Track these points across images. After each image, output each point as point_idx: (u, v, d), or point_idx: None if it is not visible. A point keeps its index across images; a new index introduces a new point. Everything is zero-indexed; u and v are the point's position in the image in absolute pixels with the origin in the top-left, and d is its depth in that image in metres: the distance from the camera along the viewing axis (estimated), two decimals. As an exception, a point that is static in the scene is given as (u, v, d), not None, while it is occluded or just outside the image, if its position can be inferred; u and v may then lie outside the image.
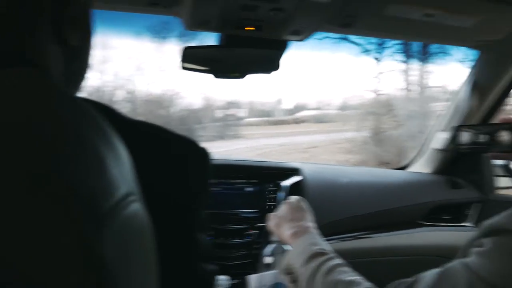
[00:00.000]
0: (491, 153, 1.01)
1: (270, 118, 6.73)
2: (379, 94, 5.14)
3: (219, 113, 5.93)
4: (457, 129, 1.06)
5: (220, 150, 5.11)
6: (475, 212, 1.64)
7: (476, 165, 1.67)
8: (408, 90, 4.96)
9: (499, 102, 1.52)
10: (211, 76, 1.00)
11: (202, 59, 0.98)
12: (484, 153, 1.03)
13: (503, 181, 1.68)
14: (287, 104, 6.80)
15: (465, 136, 1.05)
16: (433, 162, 1.74)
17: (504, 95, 1.50)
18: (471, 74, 1.54)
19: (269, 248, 1.10)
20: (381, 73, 4.99)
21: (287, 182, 1.42)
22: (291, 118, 6.67)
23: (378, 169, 2.29)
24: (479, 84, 1.51)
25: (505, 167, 1.58)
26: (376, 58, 4.74)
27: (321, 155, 5.87)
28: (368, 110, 5.29)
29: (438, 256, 1.44)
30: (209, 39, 0.97)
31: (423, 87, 4.87)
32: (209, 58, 0.97)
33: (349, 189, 1.55)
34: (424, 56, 4.53)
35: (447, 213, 1.66)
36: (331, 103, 6.40)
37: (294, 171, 1.47)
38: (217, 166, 1.37)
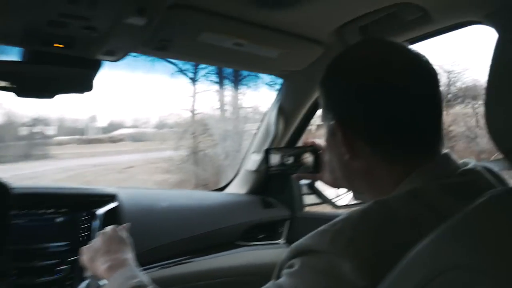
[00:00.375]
0: (297, 174, 1.20)
1: (83, 136, 6.37)
2: (195, 113, 5.38)
3: (23, 131, 5.34)
4: (267, 152, 1.21)
5: (25, 172, 4.61)
6: (286, 229, 1.86)
7: (285, 185, 1.88)
8: (223, 110, 5.33)
9: (303, 126, 1.76)
10: (12, 94, 0.94)
11: (1, 75, 0.91)
12: (291, 174, 1.21)
13: (309, 199, 1.97)
14: (102, 122, 6.54)
15: (274, 158, 1.20)
16: (248, 183, 1.91)
17: (307, 119, 1.74)
18: (276, 99, 1.75)
19: (83, 285, 1.08)
20: (197, 93, 5.25)
21: (102, 210, 1.39)
22: (106, 137, 6.43)
23: (197, 192, 2.39)
24: (284, 109, 1.72)
25: (311, 186, 1.86)
26: (192, 79, 4.99)
27: (138, 175, 5.79)
28: (185, 129, 5.49)
29: (256, 275, 1.56)
30: (13, 53, 0.92)
31: (237, 108, 5.29)
32: (11, 74, 0.92)
33: (169, 213, 1.58)
34: (237, 79, 4.98)
35: (262, 232, 1.83)
36: (148, 122, 6.41)
37: (110, 198, 1.44)
38: (19, 195, 1.26)
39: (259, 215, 1.83)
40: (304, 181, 1.85)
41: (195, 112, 5.42)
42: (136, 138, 6.14)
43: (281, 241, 1.85)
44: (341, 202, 1.69)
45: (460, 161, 0.74)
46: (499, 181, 0.71)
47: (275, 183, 1.92)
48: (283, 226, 1.88)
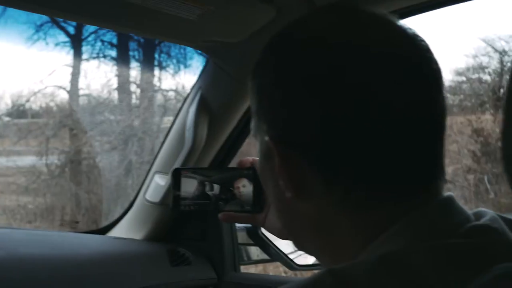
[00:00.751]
0: (225, 213, 1.18)
1: None
2: (78, 96, 5.32)
3: None
4: (175, 174, 1.18)
5: None
6: None
7: (210, 228, 1.89)
8: (124, 93, 5.29)
9: (240, 134, 1.77)
10: None
11: None
12: (215, 212, 1.20)
13: (250, 253, 1.97)
14: None
15: (188, 185, 1.19)
16: (147, 223, 1.90)
17: (247, 124, 1.74)
18: (196, 88, 1.76)
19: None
20: (82, 66, 5.21)
21: None
22: None
23: (61, 234, 2.35)
24: (209, 104, 1.73)
25: (253, 231, 1.86)
26: (74, 44, 4.97)
27: (-26, 195, 5.70)
28: (60, 120, 5.41)
29: None
30: None
31: (148, 92, 5.27)
32: None
33: (8, 268, 1.53)
34: (149, 53, 5.00)
35: (169, 307, 1.82)
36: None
37: None
38: None
39: (165, 277, 1.81)
40: (240, 225, 1.85)
41: (79, 93, 5.33)
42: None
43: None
44: (300, 260, 1.72)
45: (471, 211, 0.74)
46: None
47: (192, 224, 1.93)
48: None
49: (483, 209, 0.75)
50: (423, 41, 0.73)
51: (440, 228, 0.68)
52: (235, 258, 1.91)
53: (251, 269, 2.00)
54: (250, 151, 1.70)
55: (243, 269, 1.95)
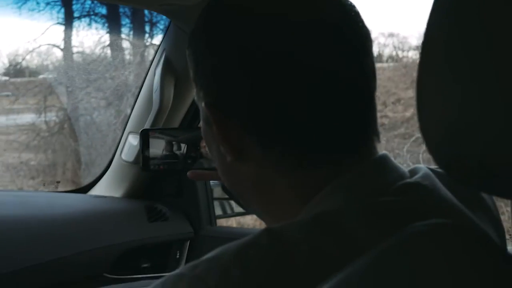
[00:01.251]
0: (193, 171, 1.21)
1: None
2: (72, 52, 5.27)
3: None
4: (143, 135, 1.21)
5: None
6: (186, 255, 1.91)
7: (185, 184, 1.92)
8: (117, 50, 5.25)
9: None
10: None
11: None
12: (182, 171, 1.22)
13: (225, 207, 2.01)
14: None
15: (156, 145, 1.22)
16: (125, 181, 1.94)
17: None
18: (161, 50, 1.77)
19: None
20: (73, 22, 5.16)
21: None
22: None
23: (42, 193, 2.38)
24: (174, 65, 1.74)
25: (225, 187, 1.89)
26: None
27: (-21, 154, 5.68)
28: (56, 77, 5.37)
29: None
30: None
31: (136, 49, 5.23)
32: None
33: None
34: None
35: (146, 259, 1.86)
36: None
37: None
38: None
39: (143, 233, 1.85)
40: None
41: (72, 51, 5.29)
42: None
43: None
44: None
45: (409, 168, 0.76)
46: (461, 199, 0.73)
47: (168, 181, 1.96)
48: (180, 250, 1.92)
49: (419, 165, 0.77)
50: (350, 5, 0.74)
51: (372, 187, 0.69)
52: (210, 212, 1.95)
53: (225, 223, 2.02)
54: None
55: (220, 223, 1.99)
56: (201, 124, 0.81)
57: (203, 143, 1.17)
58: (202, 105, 0.76)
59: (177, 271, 0.65)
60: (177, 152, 1.21)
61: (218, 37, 0.73)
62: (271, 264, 0.61)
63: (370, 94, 0.73)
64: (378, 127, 0.76)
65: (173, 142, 1.21)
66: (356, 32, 0.73)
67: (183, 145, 1.21)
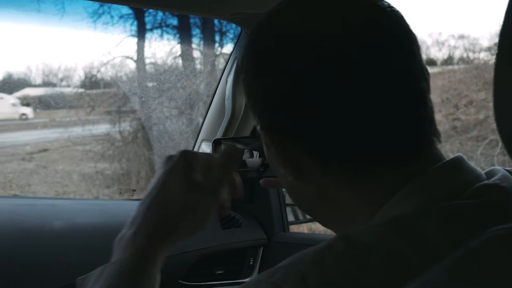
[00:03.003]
0: (265, 179, 1.20)
1: None
2: (145, 64, 5.37)
3: None
4: (215, 144, 1.21)
5: None
6: (260, 261, 1.90)
7: (258, 191, 1.92)
8: (189, 60, 5.32)
9: None
10: None
11: None
12: (255, 179, 1.21)
13: (297, 214, 1.99)
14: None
15: None
16: (199, 189, 1.93)
17: None
18: (232, 58, 1.76)
19: None
20: (145, 38, 5.25)
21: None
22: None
23: (119, 202, 2.41)
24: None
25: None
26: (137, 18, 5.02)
27: (54, 163, 5.81)
28: (130, 88, 5.47)
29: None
30: None
31: (207, 59, 5.28)
32: None
33: (66, 238, 1.61)
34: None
35: (220, 266, 1.85)
36: (69, 76, 6.38)
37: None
38: None
39: (216, 240, 1.85)
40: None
41: (145, 62, 5.39)
42: (50, 104, 6.09)
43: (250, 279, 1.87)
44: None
45: (486, 170, 0.75)
46: None
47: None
48: (254, 256, 1.92)
49: (496, 167, 0.75)
50: (397, 11, 0.73)
51: (447, 189, 0.69)
52: (283, 218, 1.93)
53: (298, 229, 2.01)
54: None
55: (292, 229, 1.97)
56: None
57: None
58: (258, 128, 0.76)
59: (254, 277, 0.66)
60: (249, 160, 1.21)
61: (267, 61, 0.73)
62: (347, 268, 0.61)
63: (422, 95, 0.72)
64: (437, 128, 0.75)
65: (245, 150, 1.20)
66: (407, 38, 0.72)
67: (255, 153, 1.20)
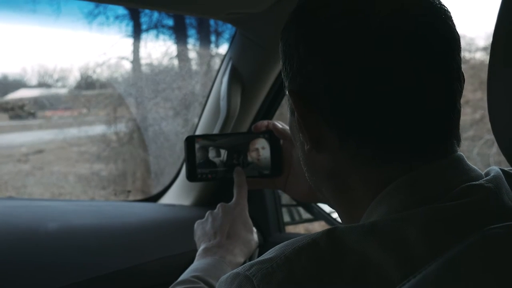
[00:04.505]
0: (248, 180, 1.19)
1: None
2: (141, 65, 5.36)
3: None
4: (189, 142, 1.18)
5: None
6: None
7: (253, 192, 1.89)
8: (184, 61, 5.31)
9: (273, 100, 1.78)
10: None
11: None
12: (230, 179, 1.20)
13: (294, 213, 1.99)
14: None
15: (201, 153, 1.18)
16: (194, 189, 1.94)
17: (277, 90, 1.76)
18: (227, 58, 1.77)
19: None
20: (141, 37, 5.25)
21: None
22: (-4, 103, 6.39)
23: (113, 203, 2.41)
24: (241, 73, 1.74)
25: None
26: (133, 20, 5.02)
27: (51, 165, 5.81)
28: (125, 89, 5.47)
29: None
30: None
31: (202, 59, 5.27)
32: None
33: (61, 240, 1.61)
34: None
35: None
36: (65, 77, 6.37)
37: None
38: None
39: (212, 240, 1.85)
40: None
41: (140, 62, 5.39)
42: (45, 105, 6.09)
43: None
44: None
45: (485, 171, 0.75)
46: None
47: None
48: (250, 257, 1.90)
49: (493, 167, 0.75)
50: (443, 8, 0.73)
51: (434, 189, 0.69)
52: (279, 219, 1.94)
53: (295, 230, 2.01)
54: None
55: (288, 230, 1.98)
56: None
57: (251, 149, 1.17)
58: (287, 92, 0.79)
59: (236, 269, 0.69)
60: (225, 160, 1.19)
61: (306, 30, 0.74)
62: (317, 270, 0.63)
63: (453, 95, 0.72)
64: (460, 132, 0.76)
65: (220, 149, 1.18)
66: (449, 34, 0.73)
67: (230, 152, 1.18)
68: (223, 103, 1.74)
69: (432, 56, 0.70)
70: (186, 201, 1.98)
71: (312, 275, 0.63)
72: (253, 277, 0.65)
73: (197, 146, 1.17)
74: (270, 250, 0.69)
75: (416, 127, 0.70)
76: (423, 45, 0.69)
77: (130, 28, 5.16)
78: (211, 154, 1.18)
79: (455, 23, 0.73)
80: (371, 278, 0.61)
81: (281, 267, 0.65)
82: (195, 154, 1.17)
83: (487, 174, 0.73)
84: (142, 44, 5.33)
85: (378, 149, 0.71)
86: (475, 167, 0.74)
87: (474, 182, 0.69)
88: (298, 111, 0.75)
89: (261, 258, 0.67)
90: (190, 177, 1.19)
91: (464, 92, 0.73)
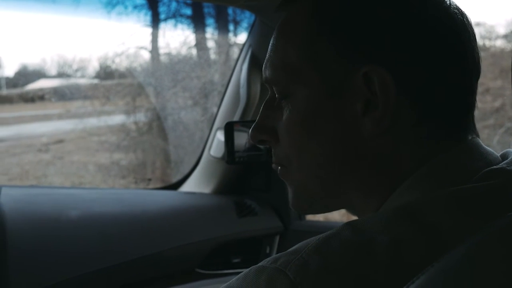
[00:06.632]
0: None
1: None
2: (159, 55, 5.36)
3: None
4: (228, 128, 1.20)
5: None
6: (276, 249, 1.90)
7: (274, 179, 1.92)
8: (202, 50, 5.31)
9: None
10: None
11: None
12: (268, 163, 1.20)
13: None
14: (8, 69, 6.51)
15: (240, 138, 1.21)
16: (214, 177, 1.95)
17: None
18: (247, 46, 1.77)
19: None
20: (158, 27, 5.25)
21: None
22: (16, 93, 6.40)
23: (134, 191, 2.42)
24: (259, 60, 1.72)
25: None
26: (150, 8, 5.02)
27: (71, 155, 5.83)
28: (144, 78, 5.48)
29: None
30: None
31: (221, 48, 5.26)
32: None
33: (83, 227, 1.62)
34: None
35: (237, 254, 1.88)
36: (83, 67, 6.39)
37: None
38: None
39: (233, 228, 1.87)
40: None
41: (159, 52, 5.39)
42: (65, 95, 6.11)
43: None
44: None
45: (500, 152, 0.75)
46: None
47: (257, 176, 1.96)
48: (270, 245, 1.92)
49: (510, 149, 0.76)
50: (458, 9, 0.76)
51: (456, 174, 0.70)
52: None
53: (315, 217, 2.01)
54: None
55: (308, 217, 1.98)
56: (305, 99, 0.76)
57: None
58: (353, 66, 0.72)
59: (259, 264, 0.67)
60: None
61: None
62: (351, 255, 0.62)
63: (474, 90, 0.76)
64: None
65: None
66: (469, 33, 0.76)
67: None
68: (243, 91, 1.74)
69: (472, 41, 0.75)
70: (206, 189, 1.99)
71: (347, 260, 0.62)
72: (286, 270, 0.63)
73: (235, 132, 1.19)
74: (291, 248, 0.67)
75: (457, 110, 0.74)
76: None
77: (148, 18, 5.15)
78: (247, 139, 1.19)
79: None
80: (404, 257, 0.61)
81: (312, 257, 0.64)
82: (233, 139, 1.19)
83: (503, 156, 0.74)
84: (160, 33, 5.32)
85: (443, 125, 0.73)
86: (492, 150, 0.75)
87: (496, 167, 0.70)
88: (383, 85, 0.70)
89: (284, 252, 0.67)
90: (229, 160, 1.22)
91: (484, 80, 0.76)
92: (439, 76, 0.71)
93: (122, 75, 5.89)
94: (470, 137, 0.74)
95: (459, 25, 0.74)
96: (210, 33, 5.40)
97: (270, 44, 0.82)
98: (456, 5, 0.76)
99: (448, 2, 0.75)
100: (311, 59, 0.75)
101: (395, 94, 0.70)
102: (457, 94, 0.73)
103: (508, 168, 0.69)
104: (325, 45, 0.74)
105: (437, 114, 0.72)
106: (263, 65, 0.83)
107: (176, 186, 2.10)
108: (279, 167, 0.85)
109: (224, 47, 5.23)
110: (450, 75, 0.72)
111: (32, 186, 1.98)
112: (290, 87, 0.77)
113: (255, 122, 0.85)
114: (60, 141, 6.02)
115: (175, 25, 5.21)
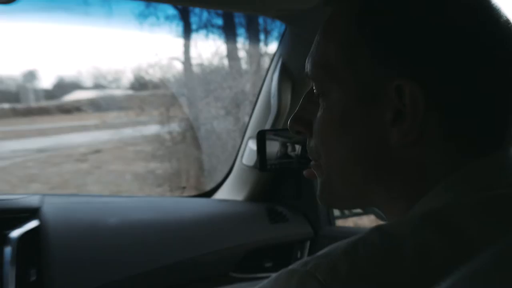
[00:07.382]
0: (309, 170, 1.21)
1: (18, 105, 6.38)
2: (192, 65, 5.40)
3: None
4: (260, 136, 1.22)
5: None
6: (305, 254, 1.91)
7: (304, 187, 1.94)
8: (234, 61, 5.33)
9: None
10: None
11: None
12: (299, 170, 1.22)
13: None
14: (46, 81, 6.57)
15: (272, 146, 1.23)
16: (247, 185, 1.97)
17: None
18: (277, 55, 1.78)
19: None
20: (190, 39, 5.28)
21: (16, 232, 1.49)
22: (54, 105, 6.44)
23: (170, 199, 2.45)
24: (291, 70, 1.74)
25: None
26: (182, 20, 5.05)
27: (108, 164, 5.89)
28: (178, 89, 5.51)
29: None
30: None
31: (252, 58, 5.28)
32: None
33: (122, 234, 1.67)
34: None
35: (269, 259, 1.90)
36: (118, 79, 6.44)
37: (29, 212, 1.56)
38: None
39: (265, 234, 1.90)
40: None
41: (191, 62, 5.42)
42: (101, 106, 6.18)
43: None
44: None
45: None
46: None
47: (288, 184, 1.98)
48: (301, 250, 1.95)
49: None
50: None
51: (488, 181, 0.69)
52: (329, 213, 1.95)
53: (345, 223, 2.02)
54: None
55: (338, 223, 2.00)
56: (341, 105, 0.76)
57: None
58: (386, 78, 0.72)
59: (289, 267, 0.67)
60: (292, 153, 1.23)
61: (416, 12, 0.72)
62: (379, 260, 0.62)
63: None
64: None
65: (288, 143, 1.23)
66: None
67: (297, 146, 1.22)
68: (273, 100, 1.76)
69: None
70: (239, 196, 2.02)
71: (375, 264, 0.62)
72: (316, 272, 0.63)
73: (267, 140, 1.22)
74: (319, 252, 0.67)
75: (491, 123, 0.72)
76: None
77: (180, 28, 5.20)
78: (279, 147, 1.22)
79: None
80: (431, 261, 0.61)
81: (342, 260, 0.63)
82: (265, 147, 1.21)
83: None
84: (192, 44, 5.35)
85: (473, 137, 0.71)
86: None
87: None
88: (412, 97, 0.69)
89: (314, 255, 0.67)
90: (261, 167, 1.24)
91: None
92: (476, 94, 0.69)
93: (155, 85, 5.93)
94: (502, 152, 0.72)
95: (509, 37, 0.71)
96: (241, 43, 5.41)
97: (314, 40, 0.81)
98: (506, 16, 0.73)
99: (497, 12, 0.72)
100: (349, 61, 0.74)
101: (423, 111, 0.69)
102: (493, 111, 0.71)
103: None
104: (364, 50, 0.73)
105: (468, 131, 0.70)
106: (306, 59, 0.82)
107: (209, 194, 2.13)
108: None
109: (255, 57, 5.24)
110: (489, 93, 0.70)
111: (72, 195, 2.03)
112: (327, 85, 0.77)
113: (294, 113, 0.86)
114: (98, 151, 6.09)
115: (207, 36, 5.23)
